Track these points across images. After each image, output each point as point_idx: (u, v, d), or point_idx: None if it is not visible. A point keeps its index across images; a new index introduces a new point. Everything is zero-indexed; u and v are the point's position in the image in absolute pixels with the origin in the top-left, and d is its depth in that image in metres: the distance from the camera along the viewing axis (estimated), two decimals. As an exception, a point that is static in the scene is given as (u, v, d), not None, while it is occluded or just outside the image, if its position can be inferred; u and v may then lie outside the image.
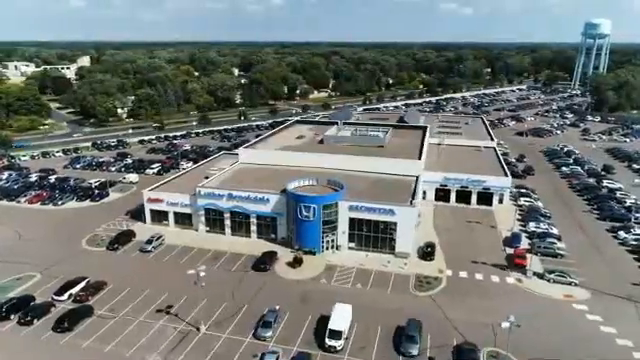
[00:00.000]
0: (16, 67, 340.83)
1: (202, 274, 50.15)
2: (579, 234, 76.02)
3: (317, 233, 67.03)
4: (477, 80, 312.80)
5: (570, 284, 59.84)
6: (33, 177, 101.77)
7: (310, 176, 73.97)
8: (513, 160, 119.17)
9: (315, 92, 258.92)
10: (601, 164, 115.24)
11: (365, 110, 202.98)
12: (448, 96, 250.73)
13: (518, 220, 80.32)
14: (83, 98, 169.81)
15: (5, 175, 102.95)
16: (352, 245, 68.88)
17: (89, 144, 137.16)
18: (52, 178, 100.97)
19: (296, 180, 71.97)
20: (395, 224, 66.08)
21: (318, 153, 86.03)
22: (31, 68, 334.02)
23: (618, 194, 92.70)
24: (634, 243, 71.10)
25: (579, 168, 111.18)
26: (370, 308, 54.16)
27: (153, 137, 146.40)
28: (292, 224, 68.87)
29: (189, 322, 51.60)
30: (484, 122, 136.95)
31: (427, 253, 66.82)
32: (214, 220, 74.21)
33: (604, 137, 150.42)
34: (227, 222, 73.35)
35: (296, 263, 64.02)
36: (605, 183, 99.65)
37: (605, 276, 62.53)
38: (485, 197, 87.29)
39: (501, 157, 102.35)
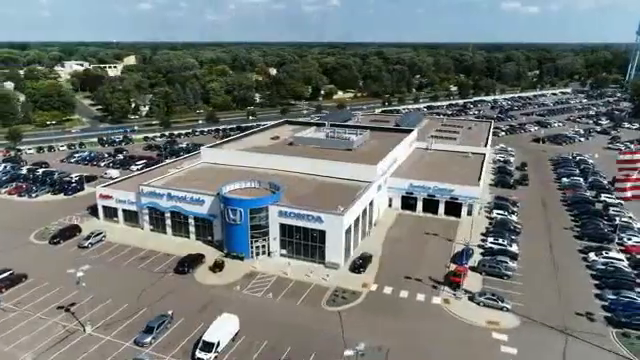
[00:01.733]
0: (70, 66, 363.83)
1: (80, 274, 49.49)
2: (543, 253, 68.52)
3: (245, 238, 64.78)
4: (516, 82, 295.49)
5: (501, 309, 53.73)
6: (24, 170, 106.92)
7: (253, 178, 71.89)
8: (511, 169, 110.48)
9: (340, 93, 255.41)
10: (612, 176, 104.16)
11: (382, 112, 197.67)
12: (479, 99, 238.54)
13: (483, 234, 74.02)
14: (103, 95, 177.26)
15: (0, 167, 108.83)
16: (284, 252, 66.04)
17: (95, 139, 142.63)
18: (40, 171, 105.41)
19: (237, 182, 70.12)
20: (324, 232, 62.59)
21: (276, 155, 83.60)
22: (84, 67, 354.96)
23: (612, 210, 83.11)
24: (601, 267, 62.96)
25: (581, 180, 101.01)
26: (266, 321, 51.37)
27: (158, 134, 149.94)
28: (223, 227, 67.17)
29: (81, 322, 51.24)
30: (490, 127, 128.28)
31: (358, 265, 62.70)
32: (157, 219, 73.96)
33: (632, 147, 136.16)
34: (168, 222, 72.85)
35: (216, 268, 62.15)
36: (603, 197, 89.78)
37: (548, 303, 55.74)
38: (454, 207, 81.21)
39: (486, 164, 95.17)
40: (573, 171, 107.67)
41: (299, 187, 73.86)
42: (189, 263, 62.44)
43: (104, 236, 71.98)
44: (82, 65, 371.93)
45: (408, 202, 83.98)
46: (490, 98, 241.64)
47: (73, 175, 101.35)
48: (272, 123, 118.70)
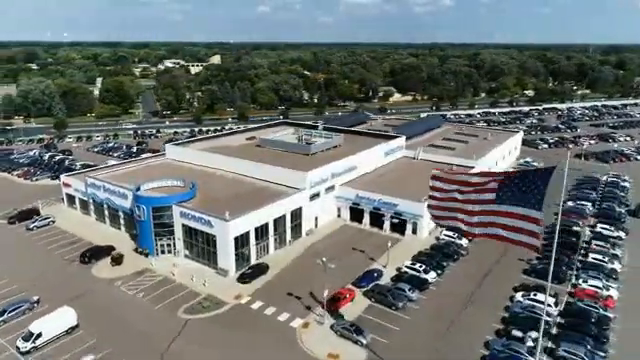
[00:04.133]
0: (164, 64, 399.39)
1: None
2: (465, 286, 59.32)
3: (149, 235, 65.64)
4: (611, 89, 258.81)
5: (356, 342, 47.78)
6: (46, 156, 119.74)
7: (177, 177, 72.54)
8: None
9: (397, 95, 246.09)
10: None
11: (428, 116, 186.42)
12: (550, 106, 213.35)
13: (414, 257, 66.37)
14: (156, 92, 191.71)
15: (31, 153, 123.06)
16: (187, 253, 65.70)
17: (131, 132, 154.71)
18: (56, 158, 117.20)
19: (162, 179, 71.39)
20: (215, 237, 61.00)
21: (224, 156, 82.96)
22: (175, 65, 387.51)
23: (594, 244, 69.22)
24: (518, 311, 52.82)
25: (588, 205, 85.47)
26: (112, 320, 51.87)
27: (187, 129, 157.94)
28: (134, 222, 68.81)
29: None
30: (512, 139, 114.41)
31: (247, 275, 60.16)
32: (98, 210, 78.10)
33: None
34: (105, 213, 76.53)
35: (114, 261, 63.81)
36: (600, 228, 75.12)
37: (420, 342, 48.32)
38: (401, 224, 73.92)
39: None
40: (589, 194, 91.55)
41: (229, 189, 73.01)
42: (92, 254, 64.95)
43: (52, 221, 77.86)
44: (177, 63, 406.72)
45: (357, 214, 78.39)
46: (565, 106, 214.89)
47: (78, 163, 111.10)
48: (267, 123, 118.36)
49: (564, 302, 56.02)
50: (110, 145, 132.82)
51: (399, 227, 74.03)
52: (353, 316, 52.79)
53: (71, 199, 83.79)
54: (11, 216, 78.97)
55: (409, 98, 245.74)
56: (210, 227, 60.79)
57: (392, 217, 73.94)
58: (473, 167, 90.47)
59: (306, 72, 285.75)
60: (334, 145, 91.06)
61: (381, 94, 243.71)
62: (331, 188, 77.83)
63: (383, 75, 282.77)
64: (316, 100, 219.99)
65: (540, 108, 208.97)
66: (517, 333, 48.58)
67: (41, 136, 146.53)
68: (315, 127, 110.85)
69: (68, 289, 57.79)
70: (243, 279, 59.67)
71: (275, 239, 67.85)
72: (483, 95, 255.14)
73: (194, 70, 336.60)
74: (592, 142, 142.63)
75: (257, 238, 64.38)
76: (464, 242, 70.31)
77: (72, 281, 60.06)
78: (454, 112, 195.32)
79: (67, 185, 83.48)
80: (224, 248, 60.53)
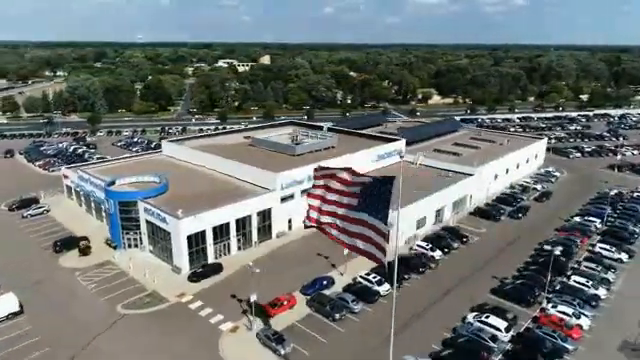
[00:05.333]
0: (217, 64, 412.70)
1: None
2: (421, 301, 55.33)
3: (117, 228, 67.29)
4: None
5: (275, 352, 45.89)
6: (71, 148, 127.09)
7: (155, 173, 73.85)
8: (523, 198, 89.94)
9: (437, 97, 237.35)
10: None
11: (461, 120, 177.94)
12: (601, 112, 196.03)
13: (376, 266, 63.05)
14: (191, 90, 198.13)
15: (60, 145, 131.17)
16: (151, 248, 66.65)
17: (158, 128, 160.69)
18: (79, 150, 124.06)
19: (140, 175, 73.09)
20: (170, 234, 61.35)
21: (209, 154, 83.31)
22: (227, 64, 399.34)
23: (584, 265, 62.15)
24: (463, 334, 48.35)
25: (596, 222, 77.03)
26: (56, 309, 53.48)
27: (212, 127, 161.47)
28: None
29: None
30: (525, 146, 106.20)
31: (197, 274, 59.97)
32: (87, 202, 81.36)
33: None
34: (92, 204, 79.57)
35: (81, 252, 65.98)
36: (599, 248, 67.41)
37: (345, 355, 45.57)
38: (375, 231, 70.51)
39: (463, 187, 79.99)
40: (603, 211, 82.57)
41: (205, 186, 73.34)
42: (64, 244, 67.59)
43: (46, 210, 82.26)
44: (229, 63, 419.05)
45: (336, 218, 75.77)
46: (619, 112, 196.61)
47: (95, 156, 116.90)
48: (271, 123, 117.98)
49: (523, 327, 50.74)
50: (134, 140, 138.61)
51: (373, 234, 70.69)
52: (286, 324, 50.93)
53: (70, 190, 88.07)
54: (13, 203, 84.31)
55: (450, 101, 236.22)
56: (166, 224, 61.27)
57: (366, 223, 70.74)
58: (472, 174, 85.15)
59: (351, 73, 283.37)
60: (326, 146, 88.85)
61: (420, 96, 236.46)
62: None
63: (428, 76, 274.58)
64: (349, 101, 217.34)
65: (590, 114, 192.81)
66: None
67: (67, 129, 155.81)
68: (322, 128, 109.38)
69: (31, 276, 60.48)
70: (193, 278, 59.52)
71: (238, 239, 67.17)
72: (532, 99, 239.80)
73: (241, 69, 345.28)
74: (635, 152, 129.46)
75: (216, 238, 64.01)
76: (437, 254, 65.83)
77: (37, 268, 62.81)
78: (491, 116, 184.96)
79: (66, 177, 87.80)
80: (177, 245, 60.71)
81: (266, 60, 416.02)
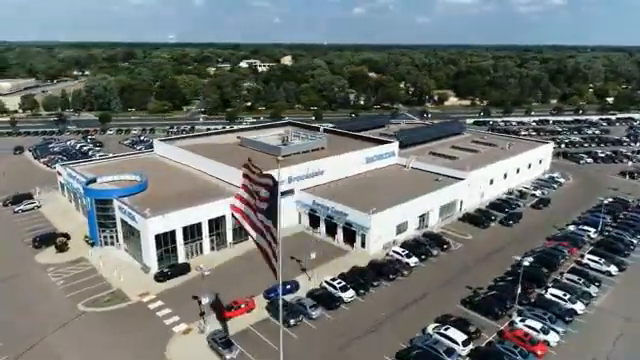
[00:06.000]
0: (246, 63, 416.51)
1: None
2: (385, 309, 53.47)
3: (94, 226, 67.96)
4: None
5: (221, 356, 45.06)
6: (77, 146, 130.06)
7: (136, 172, 74.33)
8: (520, 204, 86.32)
9: (454, 99, 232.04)
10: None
11: (474, 123, 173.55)
12: (625, 116, 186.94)
13: (346, 271, 61.33)
14: (204, 91, 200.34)
15: (68, 143, 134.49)
16: (126, 247, 67.01)
17: (167, 127, 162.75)
18: (84, 148, 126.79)
19: (122, 174, 73.78)
20: (139, 233, 61.46)
21: (194, 153, 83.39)
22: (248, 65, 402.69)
23: (565, 277, 58.79)
24: (418, 346, 46.25)
25: (591, 232, 72.92)
26: (21, 304, 54.15)
27: (220, 127, 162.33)
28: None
29: None
30: (528, 150, 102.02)
31: (164, 274, 59.80)
32: (75, 198, 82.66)
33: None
34: (79, 201, 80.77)
35: (57, 248, 66.88)
36: (587, 259, 63.67)
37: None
38: (352, 235, 68.97)
39: (454, 192, 77.46)
40: (597, 219, 78.12)
41: (186, 186, 73.50)
42: (42, 239, 68.72)
43: (37, 206, 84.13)
44: (251, 63, 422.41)
45: (316, 221, 74.58)
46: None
47: (98, 155, 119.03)
48: (271, 123, 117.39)
49: (486, 342, 48.21)
50: (140, 139, 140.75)
51: (351, 238, 69.17)
52: (241, 328, 50.11)
53: (62, 187, 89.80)
54: (7, 199, 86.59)
55: (467, 102, 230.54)
56: (136, 222, 61.42)
57: (344, 227, 69.29)
58: (463, 179, 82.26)
59: (371, 74, 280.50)
60: (314, 148, 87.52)
61: (436, 97, 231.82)
62: (290, 192, 74.90)
63: (447, 77, 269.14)
64: (362, 102, 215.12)
65: (613, 118, 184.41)
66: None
67: (77, 127, 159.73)
68: (319, 129, 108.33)
69: (5, 271, 61.64)
70: (160, 277, 59.40)
71: (211, 240, 66.76)
72: (554, 102, 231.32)
73: (260, 69, 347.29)
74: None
75: (187, 238, 63.77)
76: (413, 261, 63.62)
77: (13, 263, 63.95)
78: (505, 119, 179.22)
79: (59, 174, 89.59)
80: (146, 244, 60.73)
81: (287, 60, 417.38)
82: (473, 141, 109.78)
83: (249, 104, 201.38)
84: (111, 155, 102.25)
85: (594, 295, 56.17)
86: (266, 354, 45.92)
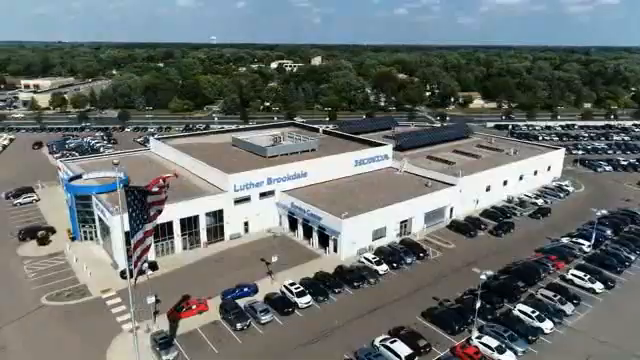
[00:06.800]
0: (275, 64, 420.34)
1: None
2: (342, 317, 51.71)
3: (75, 221, 69.67)
4: None
5: (159, 357, 44.84)
6: (91, 143, 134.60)
7: (120, 169, 75.43)
8: (516, 213, 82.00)
9: (480, 101, 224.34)
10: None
11: (495, 127, 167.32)
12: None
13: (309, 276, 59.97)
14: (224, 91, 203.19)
15: (85, 140, 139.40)
16: (103, 242, 68.24)
17: (183, 126, 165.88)
18: (97, 145, 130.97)
19: (107, 171, 75.23)
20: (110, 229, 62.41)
21: (181, 152, 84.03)
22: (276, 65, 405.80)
23: (540, 293, 55.02)
24: (361, 358, 44.30)
25: (585, 245, 68.02)
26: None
27: (233, 126, 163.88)
28: (70, 207, 73.54)
29: None
30: (533, 156, 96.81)
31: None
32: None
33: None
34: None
35: (38, 242, 68.88)
36: (571, 274, 59.45)
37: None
38: (326, 239, 67.45)
39: (445, 196, 74.61)
40: (603, 232, 72.98)
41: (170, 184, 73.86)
42: (26, 232, 71.04)
43: (35, 200, 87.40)
44: (281, 64, 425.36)
45: (295, 224, 73.46)
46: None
47: (107, 151, 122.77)
48: (273, 123, 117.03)
49: (435, 358, 45.66)
50: (146, 137, 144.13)
51: (326, 243, 67.65)
52: (188, 329, 49.81)
53: (62, 182, 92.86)
54: (10, 192, 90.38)
55: (493, 105, 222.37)
56: (107, 219, 62.41)
57: (318, 231, 67.88)
58: (454, 185, 78.98)
59: (401, 75, 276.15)
60: (304, 149, 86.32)
61: (461, 100, 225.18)
62: (270, 194, 74.21)
63: (476, 79, 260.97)
64: (382, 103, 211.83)
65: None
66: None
67: (90, 125, 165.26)
68: (313, 129, 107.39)
69: (-15, 262, 64.18)
70: (124, 274, 59.86)
71: (184, 239, 66.97)
72: (588, 105, 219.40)
73: (289, 70, 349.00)
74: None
75: (157, 235, 64.01)
76: (382, 269, 61.44)
77: (-5, 254, 66.59)
78: (528, 123, 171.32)
79: (59, 169, 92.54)
80: (115, 241, 61.55)
81: (317, 61, 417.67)
82: (478, 145, 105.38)
83: (268, 104, 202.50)
84: (111, 152, 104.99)
85: (569, 314, 52.26)
86: (202, 356, 45.41)
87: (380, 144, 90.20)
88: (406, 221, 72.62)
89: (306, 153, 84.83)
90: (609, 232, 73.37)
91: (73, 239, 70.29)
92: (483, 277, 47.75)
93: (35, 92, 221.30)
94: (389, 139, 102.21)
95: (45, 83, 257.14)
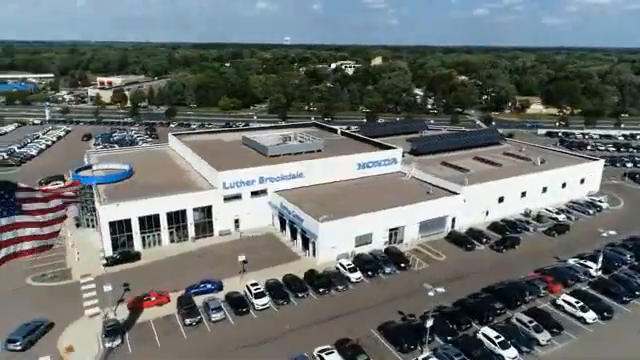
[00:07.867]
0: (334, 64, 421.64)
1: None
2: (296, 321, 50.47)
3: (79, 208, 74.14)
4: None
5: (103, 342, 46.38)
6: (134, 136, 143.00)
7: (125, 162, 79.52)
8: (527, 227, 75.43)
9: (539, 106, 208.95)
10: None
11: (546, 134, 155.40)
12: None
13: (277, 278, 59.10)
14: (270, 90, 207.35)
15: (129, 134, 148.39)
16: (99, 230, 71.93)
17: (223, 123, 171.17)
18: (138, 139, 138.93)
19: (115, 163, 79.68)
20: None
21: (189, 148, 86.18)
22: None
23: (515, 318, 49.83)
24: (293, 365, 42.86)
25: (593, 269, 60.55)
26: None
27: (271, 124, 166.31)
28: (79, 196, 78.17)
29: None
30: (561, 167, 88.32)
31: (113, 259, 63.24)
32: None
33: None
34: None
35: (47, 226, 74.04)
36: (561, 300, 53.31)
37: (155, 365, 44.08)
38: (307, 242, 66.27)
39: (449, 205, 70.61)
40: (622, 256, 64.87)
41: (170, 178, 76.69)
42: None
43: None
44: (341, 64, 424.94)
45: (284, 224, 72.93)
46: None
47: (143, 144, 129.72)
48: (293, 123, 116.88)
49: (373, 375, 43.07)
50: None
51: (307, 245, 66.50)
52: (143, 320, 51.12)
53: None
54: (41, 179, 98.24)
55: (554, 111, 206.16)
56: (96, 210, 65.83)
57: (301, 233, 66.84)
58: (458, 194, 74.35)
59: (462, 77, 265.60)
60: (309, 150, 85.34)
61: (518, 104, 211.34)
62: (262, 192, 74.24)
63: (539, 83, 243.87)
64: (429, 106, 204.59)
65: None
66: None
67: (134, 120, 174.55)
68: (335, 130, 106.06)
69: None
70: (107, 262, 62.90)
71: (171, 232, 68.82)
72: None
73: (347, 70, 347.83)
74: None
75: (143, 227, 66.51)
76: (354, 276, 59.15)
77: (8, 235, 72.38)
78: (585, 131, 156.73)
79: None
80: (103, 230, 64.70)
81: (377, 62, 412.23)
82: (506, 153, 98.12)
83: (311, 104, 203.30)
84: (130, 147, 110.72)
85: (543, 343, 46.98)
86: (144, 348, 46.27)
87: (389, 147, 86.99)
88: (397, 229, 69.32)
89: (310, 154, 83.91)
90: (629, 256, 65.07)
91: (78, 225, 74.90)
92: (431, 293, 44.24)
93: (102, 89, 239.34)
94: (411, 142, 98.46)
95: (117, 80, 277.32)
